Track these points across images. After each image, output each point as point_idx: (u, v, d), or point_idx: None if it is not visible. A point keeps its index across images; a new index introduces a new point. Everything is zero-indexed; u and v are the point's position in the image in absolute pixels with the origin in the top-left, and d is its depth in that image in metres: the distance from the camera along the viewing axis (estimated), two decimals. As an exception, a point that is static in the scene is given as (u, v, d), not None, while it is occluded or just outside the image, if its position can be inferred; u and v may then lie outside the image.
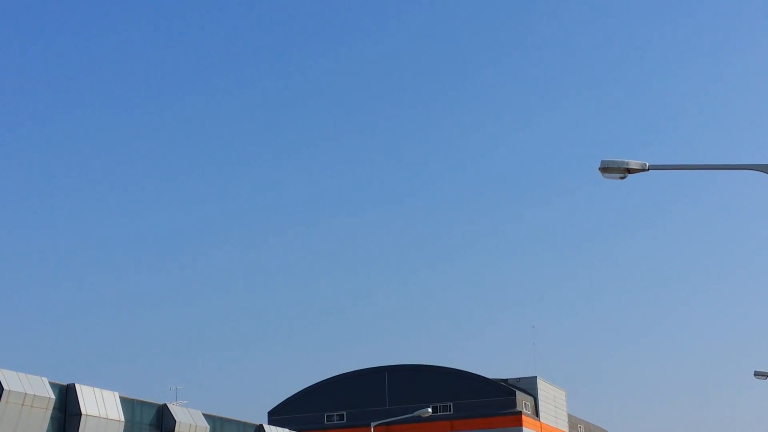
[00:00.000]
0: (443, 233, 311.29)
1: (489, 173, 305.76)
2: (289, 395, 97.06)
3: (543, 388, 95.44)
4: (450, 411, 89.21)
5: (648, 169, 20.46)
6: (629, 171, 20.37)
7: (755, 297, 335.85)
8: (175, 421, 52.62)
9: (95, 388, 47.98)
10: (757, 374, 38.48)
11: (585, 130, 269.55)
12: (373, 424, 52.71)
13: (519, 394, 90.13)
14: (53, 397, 45.32)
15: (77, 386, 47.31)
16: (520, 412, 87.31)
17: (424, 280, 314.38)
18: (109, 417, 47.76)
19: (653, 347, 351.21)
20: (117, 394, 49.11)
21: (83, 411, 46.49)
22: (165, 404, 53.62)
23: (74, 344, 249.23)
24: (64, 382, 47.07)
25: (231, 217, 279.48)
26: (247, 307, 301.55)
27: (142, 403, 52.26)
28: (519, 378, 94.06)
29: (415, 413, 52.49)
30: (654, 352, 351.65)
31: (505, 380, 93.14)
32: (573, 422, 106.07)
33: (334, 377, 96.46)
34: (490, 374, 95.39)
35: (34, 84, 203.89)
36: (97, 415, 47.05)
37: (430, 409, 52.14)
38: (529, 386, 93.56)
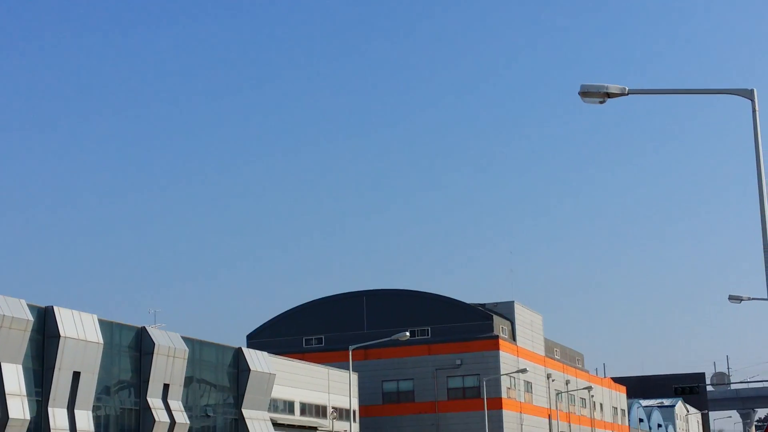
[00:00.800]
0: (424, 161, 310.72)
1: (471, 104, 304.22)
2: (268, 319, 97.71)
3: (520, 312, 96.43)
4: (428, 335, 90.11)
5: (627, 94, 20.37)
6: (609, 95, 20.27)
7: (732, 224, 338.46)
8: (154, 343, 52.92)
9: (73, 311, 48.09)
10: (731, 298, 38.95)
11: (567, 62, 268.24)
12: (351, 347, 53.12)
13: (496, 319, 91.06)
14: (31, 319, 45.41)
15: (56, 308, 47.41)
16: (497, 336, 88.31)
17: (404, 206, 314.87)
18: (88, 339, 47.96)
19: (629, 273, 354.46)
20: (95, 317, 49.26)
21: (62, 333, 46.65)
22: (144, 327, 53.86)
23: (52, 267, 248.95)
24: (43, 305, 47.15)
25: (211, 142, 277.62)
26: (226, 232, 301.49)
27: (121, 326, 52.48)
28: (496, 303, 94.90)
29: (393, 337, 52.93)
30: (630, 277, 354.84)
31: (483, 305, 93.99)
32: (549, 346, 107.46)
33: (312, 301, 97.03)
34: (468, 299, 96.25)
35: None
36: (76, 337, 47.23)
37: (408, 333, 52.53)
38: (506, 311, 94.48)
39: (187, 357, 55.39)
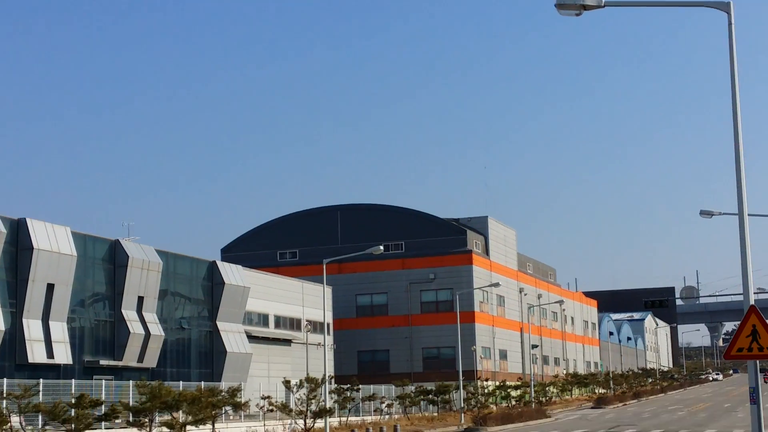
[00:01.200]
0: (399, 75, 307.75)
1: (448, 17, 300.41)
2: (242, 233, 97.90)
3: (493, 227, 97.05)
4: (402, 249, 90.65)
5: (604, 6, 20.13)
6: (585, 8, 20.02)
7: (704, 139, 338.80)
8: (127, 256, 52.91)
9: (46, 223, 47.87)
10: (702, 213, 39.31)
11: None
12: (325, 261, 53.21)
13: (470, 233, 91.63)
14: (4, 230, 45.20)
15: (29, 221, 47.18)
16: (470, 251, 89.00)
17: (379, 120, 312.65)
18: (62, 252, 47.86)
19: (602, 189, 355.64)
20: (69, 229, 49.08)
21: (35, 245, 46.51)
22: (117, 240, 53.77)
23: (25, 180, 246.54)
24: (15, 217, 46.88)
25: (184, 52, 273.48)
26: (201, 145, 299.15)
27: (95, 239, 52.35)
28: (470, 218, 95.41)
29: (367, 251, 53.04)
30: (603, 193, 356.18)
31: (457, 220, 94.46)
32: (522, 261, 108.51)
33: (287, 215, 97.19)
34: (442, 214, 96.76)
35: None
36: (49, 249, 47.10)
37: (381, 247, 52.61)
38: (479, 226, 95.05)
39: (161, 270, 55.49)
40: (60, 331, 47.89)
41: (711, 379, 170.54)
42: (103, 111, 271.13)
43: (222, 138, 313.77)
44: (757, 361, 16.71)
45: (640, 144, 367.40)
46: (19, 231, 46.61)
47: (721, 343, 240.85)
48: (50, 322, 47.39)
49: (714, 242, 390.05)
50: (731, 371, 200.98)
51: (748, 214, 18.70)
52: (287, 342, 71.23)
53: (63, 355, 47.64)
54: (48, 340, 47.07)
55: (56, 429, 33.34)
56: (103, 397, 37.90)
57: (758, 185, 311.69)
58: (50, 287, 47.40)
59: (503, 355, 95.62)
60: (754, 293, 19.18)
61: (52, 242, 47.37)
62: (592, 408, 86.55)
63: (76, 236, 49.79)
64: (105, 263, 52.51)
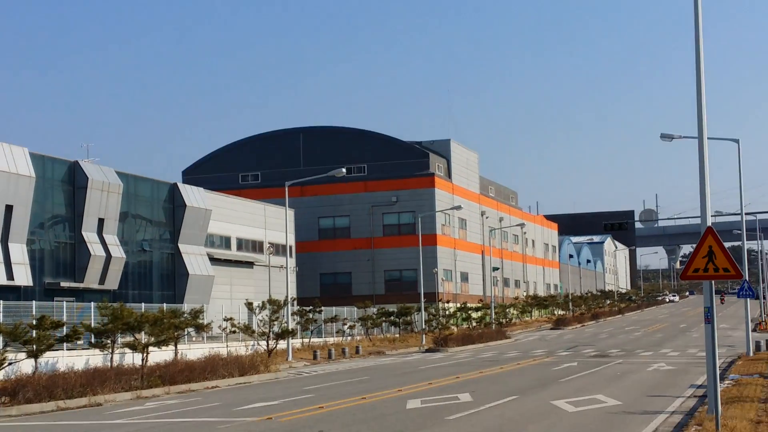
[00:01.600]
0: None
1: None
2: (204, 155, 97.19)
3: (456, 150, 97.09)
4: (364, 172, 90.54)
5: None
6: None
7: (665, 64, 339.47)
8: (87, 177, 52.36)
9: (3, 144, 47.15)
10: (663, 137, 39.48)
11: None
12: (287, 184, 53.04)
13: (432, 157, 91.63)
14: (-40, 151, 44.42)
15: (-16, 141, 46.37)
16: (433, 174, 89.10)
17: (342, 41, 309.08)
18: (20, 173, 47.25)
19: (564, 113, 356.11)
20: (26, 150, 48.39)
21: (-8, 166, 45.78)
22: (77, 161, 53.13)
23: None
24: (-29, 137, 46.00)
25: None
26: (162, 64, 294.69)
27: (53, 160, 51.70)
28: (433, 141, 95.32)
29: (329, 174, 52.89)
30: (565, 117, 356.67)
31: (419, 143, 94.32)
32: (484, 184, 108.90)
33: (249, 138, 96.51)
34: (405, 137, 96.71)
35: None
36: (7, 170, 46.48)
37: (344, 170, 52.50)
38: (442, 149, 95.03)
39: (121, 192, 55.02)
40: (19, 252, 47.52)
41: (668, 300, 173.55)
42: (62, 30, 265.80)
43: (183, 59, 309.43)
44: (712, 282, 16.97)
45: (603, 67, 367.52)
46: (-25, 152, 45.87)
47: (678, 265, 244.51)
48: (9, 244, 46.97)
49: (673, 166, 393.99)
50: (687, 293, 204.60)
51: (708, 138, 18.81)
52: (249, 264, 71.32)
53: (23, 277, 47.35)
54: (7, 261, 46.71)
55: (17, 350, 33.28)
56: (65, 318, 37.78)
57: (718, 109, 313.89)
58: (8, 209, 46.87)
59: (464, 277, 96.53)
60: (712, 216, 19.41)
61: (10, 163, 46.71)
62: (551, 329, 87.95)
63: (35, 157, 49.11)
64: (64, 185, 51.95)
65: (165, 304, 47.11)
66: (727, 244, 32.69)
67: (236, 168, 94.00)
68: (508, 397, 25.61)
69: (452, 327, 77.42)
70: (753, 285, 65.44)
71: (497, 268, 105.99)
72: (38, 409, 26.55)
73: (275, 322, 49.35)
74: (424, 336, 66.78)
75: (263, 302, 50.39)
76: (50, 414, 26.03)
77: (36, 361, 33.11)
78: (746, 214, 54.09)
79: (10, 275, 46.60)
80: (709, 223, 17.25)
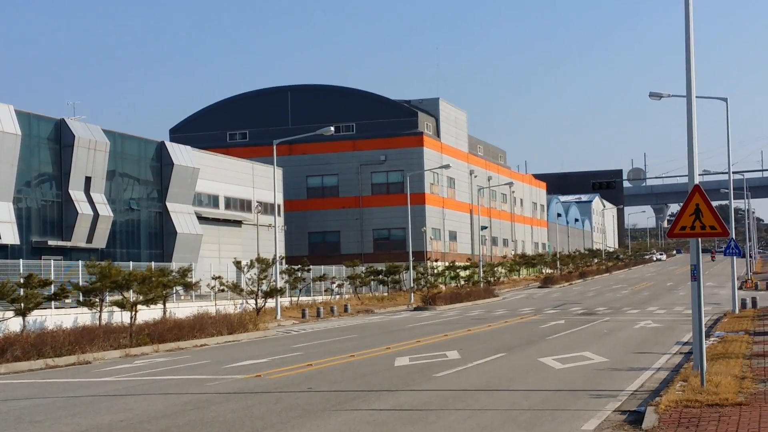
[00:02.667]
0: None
1: None
2: (191, 113, 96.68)
3: (445, 109, 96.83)
4: (353, 131, 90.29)
5: None
6: None
7: (654, 22, 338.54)
8: (73, 136, 52.08)
9: (-12, 102, 46.76)
10: (651, 95, 39.43)
11: None
12: (275, 142, 52.86)
13: (421, 115, 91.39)
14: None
15: (-31, 99, 45.84)
16: (421, 133, 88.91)
17: (330, 1, 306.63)
18: (5, 131, 46.95)
19: (553, 71, 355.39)
20: (12, 107, 48.05)
21: (-23, 124, 45.44)
22: (63, 119, 52.80)
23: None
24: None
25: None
26: (148, 22, 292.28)
27: (39, 117, 51.37)
28: (421, 99, 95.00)
29: (318, 132, 52.71)
30: (553, 75, 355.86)
31: (408, 101, 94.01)
32: (473, 143, 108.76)
33: (237, 96, 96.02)
34: (393, 96, 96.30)
35: None
36: (-7, 128, 46.12)
37: (332, 129, 52.31)
38: (431, 107, 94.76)
39: (108, 150, 54.77)
40: (6, 211, 47.35)
41: (655, 259, 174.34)
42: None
43: (170, 16, 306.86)
44: (699, 240, 17.02)
45: (591, 26, 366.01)
46: (-40, 109, 45.54)
47: (666, 224, 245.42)
48: (-4, 203, 46.78)
49: (662, 125, 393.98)
50: (675, 252, 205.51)
51: (696, 97, 18.78)
52: (238, 223, 71.28)
53: (10, 235, 47.22)
54: (-6, 220, 46.56)
55: (5, 309, 33.27)
56: (53, 277, 37.74)
57: (707, 67, 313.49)
58: (-5, 167, 46.62)
59: (453, 236, 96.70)
60: (699, 175, 19.45)
61: (-4, 121, 46.37)
62: (539, 287, 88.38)
63: (20, 115, 48.78)
64: (50, 143, 51.66)
65: (153, 263, 47.08)
66: (714, 203, 32.84)
67: (224, 126, 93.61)
68: (495, 355, 25.77)
69: (440, 285, 77.69)
70: (740, 243, 65.77)
71: (485, 227, 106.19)
72: (27, 367, 26.59)
73: (264, 281, 49.42)
74: (412, 294, 67.02)
75: (251, 261, 50.41)
76: (39, 372, 26.08)
77: (24, 320, 33.12)
78: (734, 173, 54.22)
79: (-3, 234, 46.45)
80: (696, 182, 17.26)
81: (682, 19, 18.53)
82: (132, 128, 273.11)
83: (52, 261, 41.87)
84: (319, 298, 63.88)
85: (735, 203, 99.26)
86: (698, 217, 16.16)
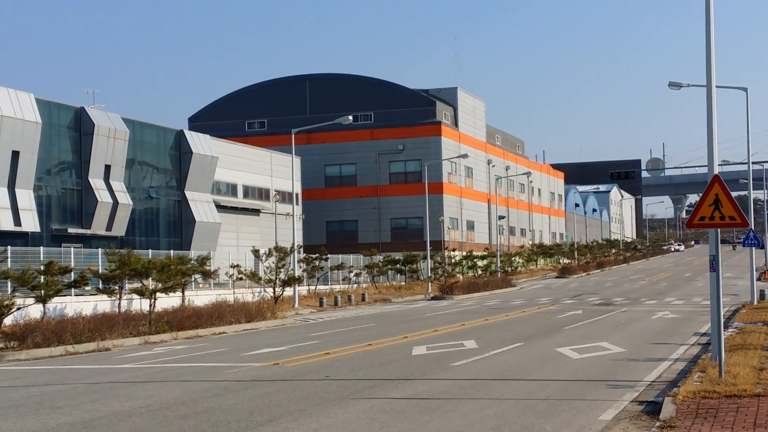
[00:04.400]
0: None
1: None
2: (210, 102, 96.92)
3: (463, 98, 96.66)
4: (371, 120, 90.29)
5: None
6: None
7: (674, 12, 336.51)
8: (93, 124, 52.31)
9: (9, 89, 47.05)
10: (671, 85, 39.25)
11: None
12: (293, 131, 52.94)
13: (439, 105, 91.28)
14: (-34, 97, 44.35)
15: (-10, 87, 46.26)
16: (439, 122, 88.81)
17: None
18: (26, 118, 47.21)
19: (572, 61, 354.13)
20: (32, 96, 48.30)
21: (-2, 112, 45.75)
22: (83, 107, 53.03)
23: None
24: (-24, 83, 45.91)
25: None
26: (167, 11, 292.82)
27: (59, 106, 51.62)
28: (439, 89, 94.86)
29: (336, 121, 52.74)
30: (572, 65, 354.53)
31: (426, 91, 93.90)
32: (491, 132, 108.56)
33: (255, 85, 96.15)
34: (412, 85, 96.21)
35: None
36: (13, 116, 46.44)
37: (350, 118, 52.32)
38: (449, 97, 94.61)
39: (127, 138, 54.99)
40: (27, 198, 47.64)
41: (673, 249, 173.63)
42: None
43: (191, 5, 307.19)
44: (718, 230, 16.98)
45: (611, 15, 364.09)
46: (-19, 98, 45.78)
47: (684, 214, 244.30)
48: (16, 190, 47.07)
49: (681, 115, 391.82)
50: (693, 242, 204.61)
51: (716, 86, 18.70)
52: (256, 212, 71.45)
53: (30, 223, 47.52)
54: (15, 207, 46.85)
55: (25, 295, 33.52)
56: (73, 264, 37.97)
57: (727, 57, 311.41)
58: (15, 154, 46.90)
59: (470, 225, 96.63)
60: (719, 165, 19.38)
61: (16, 109, 46.64)
62: (556, 277, 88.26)
63: (41, 103, 49.03)
64: (70, 131, 51.90)
65: (172, 251, 47.31)
66: (733, 194, 32.70)
67: (242, 115, 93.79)
68: (513, 344, 25.79)
69: (458, 275, 77.70)
70: (759, 234, 65.41)
71: (503, 217, 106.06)
72: (47, 354, 26.81)
73: (281, 270, 49.57)
74: (429, 284, 67.06)
75: (269, 249, 50.56)
76: (59, 358, 26.30)
77: (44, 306, 33.37)
78: (753, 163, 53.92)
79: (17, 221, 46.77)
80: (716, 172, 17.21)
81: (702, 9, 18.45)
82: (151, 117, 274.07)
83: (72, 249, 42.13)
84: (337, 287, 64.01)
85: (754, 194, 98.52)
86: (717, 208, 16.11)
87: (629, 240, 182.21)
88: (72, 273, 36.06)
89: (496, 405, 15.23)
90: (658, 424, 12.93)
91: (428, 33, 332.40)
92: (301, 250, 59.26)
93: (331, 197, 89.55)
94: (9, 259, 35.60)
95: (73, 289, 37.16)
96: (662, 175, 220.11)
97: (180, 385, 18.64)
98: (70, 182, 51.96)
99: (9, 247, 37.49)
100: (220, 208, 65.33)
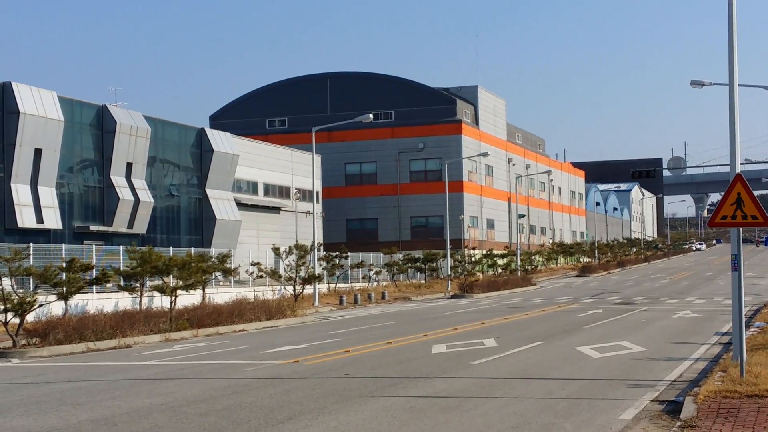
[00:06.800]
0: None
1: None
2: (231, 100, 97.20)
3: (483, 97, 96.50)
4: (391, 118, 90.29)
5: None
6: None
7: (697, 11, 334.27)
8: (115, 122, 52.60)
9: (32, 87, 47.38)
10: (693, 83, 39.07)
11: None
12: (314, 129, 53.00)
13: (460, 103, 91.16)
14: (-11, 95, 44.65)
15: (14, 84, 46.67)
16: (460, 121, 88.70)
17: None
18: (48, 116, 47.52)
19: (593, 59, 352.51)
20: (55, 94, 48.62)
21: (21, 109, 46.15)
22: (105, 105, 53.33)
23: (9, 42, 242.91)
24: None
25: None
26: (190, 9, 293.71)
27: (82, 104, 51.92)
28: (460, 87, 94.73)
29: (357, 119, 52.78)
30: (592, 63, 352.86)
31: (447, 89, 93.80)
32: (511, 131, 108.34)
33: (276, 83, 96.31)
34: (432, 83, 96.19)
35: None
36: (36, 113, 46.76)
37: (371, 116, 52.36)
38: (469, 95, 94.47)
39: (149, 136, 55.25)
40: (49, 196, 47.95)
41: (694, 248, 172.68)
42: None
43: (212, 4, 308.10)
44: (740, 229, 16.88)
45: (633, 14, 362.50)
46: (4, 95, 46.14)
47: (705, 213, 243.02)
48: (39, 187, 47.40)
49: (703, 114, 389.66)
50: (714, 241, 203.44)
51: (738, 85, 18.58)
52: (276, 210, 71.62)
53: (52, 220, 47.83)
54: (37, 205, 47.17)
55: (47, 292, 33.71)
56: (94, 261, 38.18)
57: (749, 55, 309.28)
58: (38, 152, 47.23)
59: (491, 224, 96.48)
60: (741, 164, 19.24)
61: (39, 107, 46.95)
62: (576, 276, 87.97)
63: (63, 101, 49.34)
64: (93, 129, 52.20)
65: (193, 249, 47.50)
66: (756, 193, 32.50)
67: (263, 113, 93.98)
68: (532, 343, 25.74)
69: (478, 273, 77.59)
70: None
71: (523, 215, 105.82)
72: (68, 350, 26.97)
73: (302, 267, 49.66)
74: (449, 282, 67.00)
75: (290, 247, 50.66)
76: (80, 355, 26.45)
77: (66, 303, 33.56)
78: (776, 162, 53.46)
79: (39, 218, 47.09)
80: (738, 170, 17.10)
81: (724, 7, 18.33)
82: (172, 115, 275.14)
83: (94, 246, 42.37)
84: (357, 285, 64.07)
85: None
86: (739, 207, 16.01)
87: (650, 239, 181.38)
88: (94, 270, 36.26)
89: (515, 404, 15.21)
90: (678, 423, 12.88)
91: (450, 32, 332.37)
92: (322, 248, 59.37)
93: (352, 195, 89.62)
94: (31, 256, 35.82)
95: (94, 287, 37.35)
96: (684, 173, 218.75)
97: (200, 383, 18.72)
98: (92, 180, 52.26)
99: (31, 244, 37.69)
100: (241, 206, 65.51)
